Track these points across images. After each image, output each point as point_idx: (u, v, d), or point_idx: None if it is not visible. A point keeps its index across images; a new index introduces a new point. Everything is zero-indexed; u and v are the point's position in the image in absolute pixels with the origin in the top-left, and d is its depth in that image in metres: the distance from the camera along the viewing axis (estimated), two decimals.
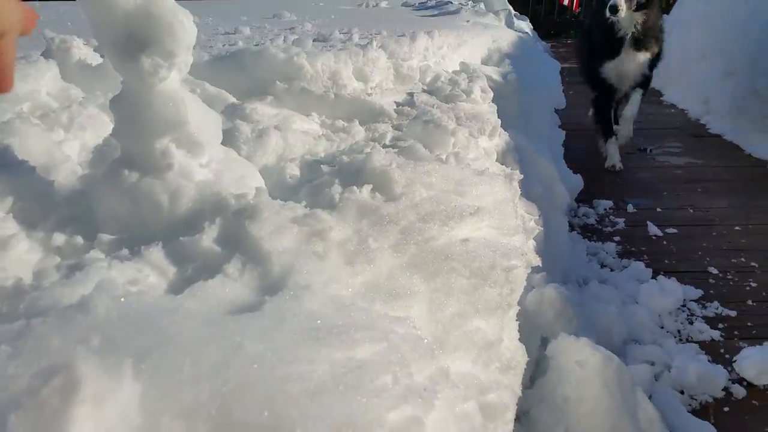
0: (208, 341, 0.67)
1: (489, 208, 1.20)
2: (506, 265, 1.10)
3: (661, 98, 5.17)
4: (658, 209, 2.99)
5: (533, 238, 1.69)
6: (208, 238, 1.00)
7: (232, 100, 1.89)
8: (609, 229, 2.77)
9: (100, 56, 2.02)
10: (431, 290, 1.03)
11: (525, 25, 4.78)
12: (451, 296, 1.04)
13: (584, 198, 3.03)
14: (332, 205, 1.14)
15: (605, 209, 2.99)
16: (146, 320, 0.68)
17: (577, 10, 8.56)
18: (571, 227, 2.70)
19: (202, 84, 1.92)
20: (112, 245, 1.01)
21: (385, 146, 1.53)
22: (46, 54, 1.98)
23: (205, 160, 1.16)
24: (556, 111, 3.34)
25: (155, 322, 0.68)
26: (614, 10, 3.05)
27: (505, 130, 2.04)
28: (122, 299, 0.71)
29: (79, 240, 1.05)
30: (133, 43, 1.06)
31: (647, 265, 2.36)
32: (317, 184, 1.28)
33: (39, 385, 0.53)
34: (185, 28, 1.08)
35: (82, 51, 2.00)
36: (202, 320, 0.73)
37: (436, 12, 4.42)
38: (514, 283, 1.11)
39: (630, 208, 2.99)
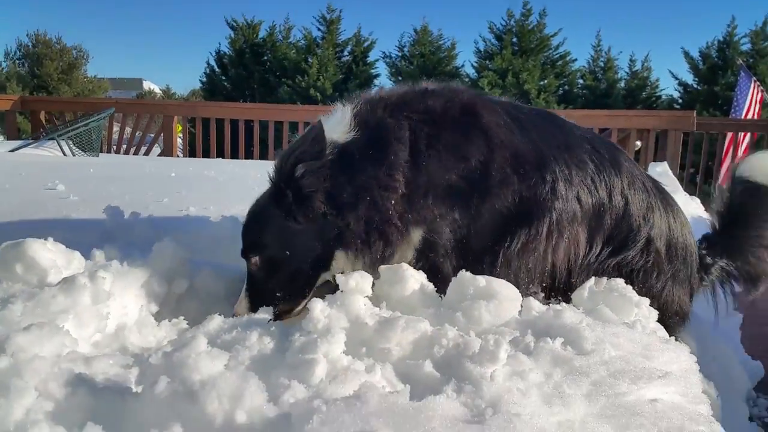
0: None
1: (676, 374, 1.29)
2: (694, 430, 1.16)
3: None
4: None
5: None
6: (428, 365, 1.23)
7: None
8: None
9: None
10: None
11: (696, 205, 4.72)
12: None
13: (765, 389, 2.80)
14: (528, 351, 1.32)
15: None
16: (407, 413, 0.90)
17: None
18: (750, 418, 2.50)
19: None
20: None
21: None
22: None
23: None
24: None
25: (413, 416, 0.90)
26: None
27: None
28: (386, 396, 0.94)
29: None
30: None
31: None
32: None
33: None
34: None
35: None
36: (442, 422, 0.93)
37: None
38: None
39: None
